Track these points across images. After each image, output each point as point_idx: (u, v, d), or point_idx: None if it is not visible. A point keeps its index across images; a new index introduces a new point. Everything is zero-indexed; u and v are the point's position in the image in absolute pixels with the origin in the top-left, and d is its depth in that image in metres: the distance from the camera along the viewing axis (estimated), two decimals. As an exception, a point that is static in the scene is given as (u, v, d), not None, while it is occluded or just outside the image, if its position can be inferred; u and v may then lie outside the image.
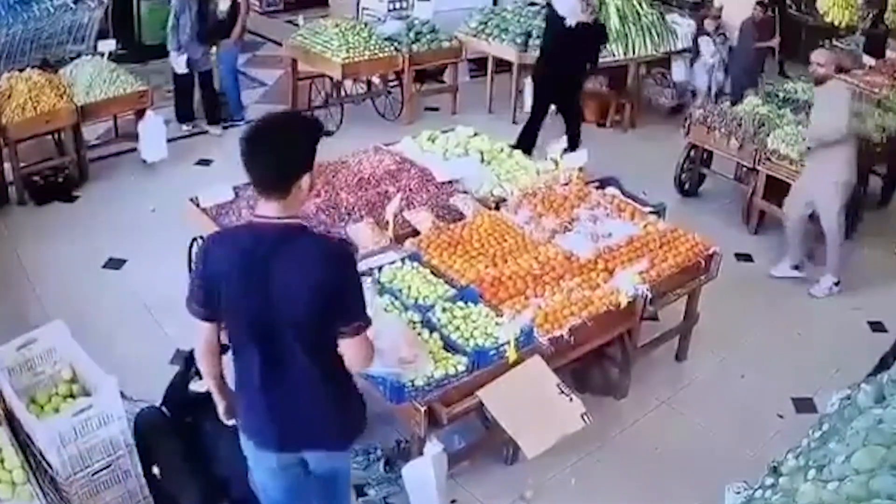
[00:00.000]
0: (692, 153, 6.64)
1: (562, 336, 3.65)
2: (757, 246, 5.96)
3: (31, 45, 7.36)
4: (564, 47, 6.53)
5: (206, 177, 6.37)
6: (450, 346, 3.39)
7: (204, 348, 2.55)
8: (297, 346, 2.37)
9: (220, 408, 2.71)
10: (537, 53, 7.10)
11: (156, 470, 3.22)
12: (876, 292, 5.46)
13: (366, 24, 8.02)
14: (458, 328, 3.48)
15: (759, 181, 6.03)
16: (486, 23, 8.22)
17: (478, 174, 5.06)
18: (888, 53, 8.15)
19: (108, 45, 6.91)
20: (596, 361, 4.32)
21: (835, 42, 9.58)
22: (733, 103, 6.83)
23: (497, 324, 3.53)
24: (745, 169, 6.33)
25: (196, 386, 3.27)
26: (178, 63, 7.02)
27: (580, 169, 5.11)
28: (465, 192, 4.82)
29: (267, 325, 2.35)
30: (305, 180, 2.31)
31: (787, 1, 9.04)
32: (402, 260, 3.93)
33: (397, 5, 8.67)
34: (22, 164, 6.07)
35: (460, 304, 3.62)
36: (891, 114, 6.41)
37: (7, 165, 5.98)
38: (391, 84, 8.20)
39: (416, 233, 4.36)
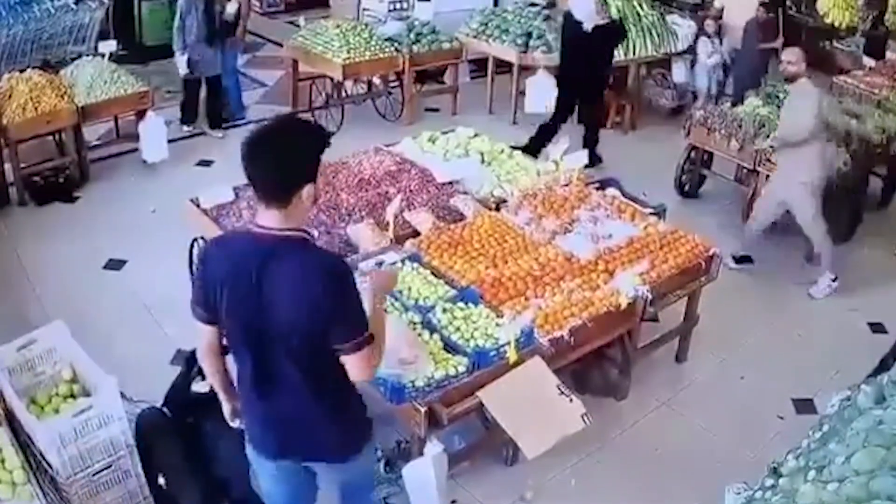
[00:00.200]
0: (692, 154, 6.64)
1: (562, 337, 3.66)
2: (757, 247, 5.95)
3: (32, 46, 7.37)
4: (584, 51, 6.65)
5: (207, 177, 6.37)
6: (450, 347, 3.39)
7: (206, 350, 2.55)
8: (288, 360, 2.33)
9: (226, 409, 2.69)
10: (556, 59, 7.28)
11: (161, 480, 3.20)
12: (876, 293, 5.46)
13: (366, 25, 8.03)
14: (458, 329, 3.48)
15: (759, 183, 6.02)
16: (486, 24, 8.22)
17: (478, 175, 5.06)
18: (888, 55, 8.16)
19: (109, 45, 6.91)
20: (596, 362, 4.32)
21: (835, 43, 9.62)
22: (734, 104, 6.83)
23: (497, 325, 3.53)
24: (745, 170, 6.33)
25: (198, 386, 3.27)
26: (181, 63, 6.98)
27: (586, 167, 5.16)
28: (466, 193, 4.82)
29: (259, 335, 2.32)
30: (308, 191, 2.25)
31: (787, 2, 9.03)
32: (403, 261, 3.93)
33: (398, 6, 8.67)
34: (22, 165, 6.08)
35: (461, 304, 3.62)
36: (891, 115, 6.41)
37: (8, 166, 5.98)
38: (392, 85, 8.20)
39: (416, 234, 4.36)
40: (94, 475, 3.01)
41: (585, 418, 3.36)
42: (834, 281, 5.45)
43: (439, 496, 3.29)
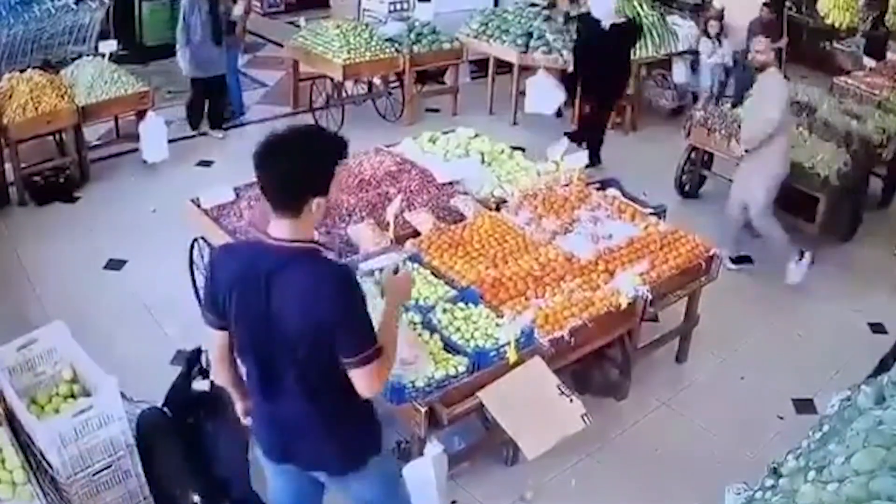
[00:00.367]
0: (693, 155, 6.64)
1: (562, 337, 3.66)
2: (757, 247, 5.95)
3: (33, 46, 7.38)
4: (602, 50, 6.72)
5: (207, 177, 6.38)
6: (450, 347, 3.39)
7: (217, 355, 2.54)
8: (293, 370, 2.32)
9: (238, 408, 2.68)
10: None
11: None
12: (876, 294, 5.47)
13: (367, 26, 8.03)
14: (458, 329, 3.48)
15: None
16: (486, 24, 8.22)
17: (478, 175, 5.06)
18: (888, 55, 8.16)
19: (110, 45, 6.90)
20: (596, 362, 4.32)
21: (835, 44, 9.61)
22: (734, 105, 6.83)
23: (497, 325, 3.53)
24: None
25: (199, 385, 3.27)
26: (183, 63, 6.92)
27: (587, 167, 5.18)
28: (466, 194, 4.82)
29: (265, 343, 2.31)
30: (319, 203, 2.23)
31: (787, 3, 9.02)
32: (403, 261, 3.92)
33: (398, 6, 8.68)
34: (23, 165, 6.08)
35: (461, 305, 3.62)
36: (891, 115, 6.42)
37: (8, 166, 5.98)
38: (392, 85, 8.20)
39: (416, 234, 4.36)
40: (94, 475, 3.01)
41: (585, 418, 3.36)
42: (801, 259, 5.43)
43: (439, 496, 3.29)
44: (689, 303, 4.57)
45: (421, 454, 3.28)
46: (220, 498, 3.29)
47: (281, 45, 8.60)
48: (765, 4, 7.93)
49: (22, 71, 6.37)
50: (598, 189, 4.90)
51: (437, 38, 7.98)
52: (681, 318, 4.65)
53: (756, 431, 4.17)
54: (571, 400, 3.39)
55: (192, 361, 3.34)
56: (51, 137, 6.44)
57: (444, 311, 3.54)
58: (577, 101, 7.74)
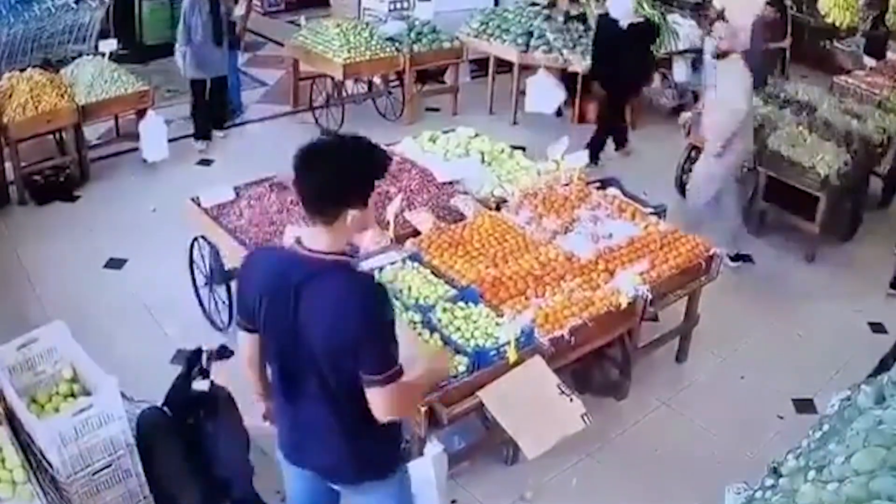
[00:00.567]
0: (693, 154, 6.61)
1: (562, 336, 3.66)
2: (758, 247, 5.96)
3: (33, 45, 7.37)
4: (619, 50, 6.78)
5: (207, 177, 6.39)
6: (451, 347, 3.39)
7: (246, 357, 2.54)
8: (315, 380, 2.30)
9: (261, 409, 2.68)
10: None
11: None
12: (876, 294, 5.46)
13: (367, 25, 8.02)
14: (458, 328, 3.48)
15: (760, 182, 6.02)
16: (487, 23, 8.21)
17: (478, 175, 5.06)
18: (889, 55, 8.15)
19: (110, 44, 6.90)
20: (596, 362, 4.32)
21: (836, 43, 9.60)
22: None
23: (497, 324, 3.53)
24: (745, 170, 6.33)
25: (199, 385, 3.27)
26: (182, 65, 6.86)
27: (587, 165, 5.23)
28: (466, 193, 4.82)
29: (290, 352, 2.31)
30: (355, 215, 2.19)
31: (786, 2, 9.01)
32: (403, 260, 3.93)
33: (398, 6, 8.67)
34: (23, 164, 6.08)
35: (461, 304, 3.62)
36: (891, 115, 6.41)
37: (8, 165, 5.98)
38: (392, 84, 8.20)
39: (416, 233, 4.36)
40: (94, 474, 3.01)
41: (585, 418, 3.36)
42: (733, 261, 5.47)
43: (439, 496, 3.28)
44: (689, 302, 4.56)
45: (421, 454, 3.28)
46: (221, 498, 3.30)
47: (281, 44, 8.60)
48: (769, 3, 7.91)
49: (22, 70, 6.37)
50: (598, 188, 4.90)
51: (438, 38, 7.98)
52: (681, 318, 4.65)
53: (756, 431, 4.17)
54: (571, 399, 3.39)
55: (193, 361, 3.34)
56: (51, 136, 6.44)
57: (444, 310, 3.54)
58: (576, 101, 7.75)
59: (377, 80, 8.13)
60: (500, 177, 5.06)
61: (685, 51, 8.39)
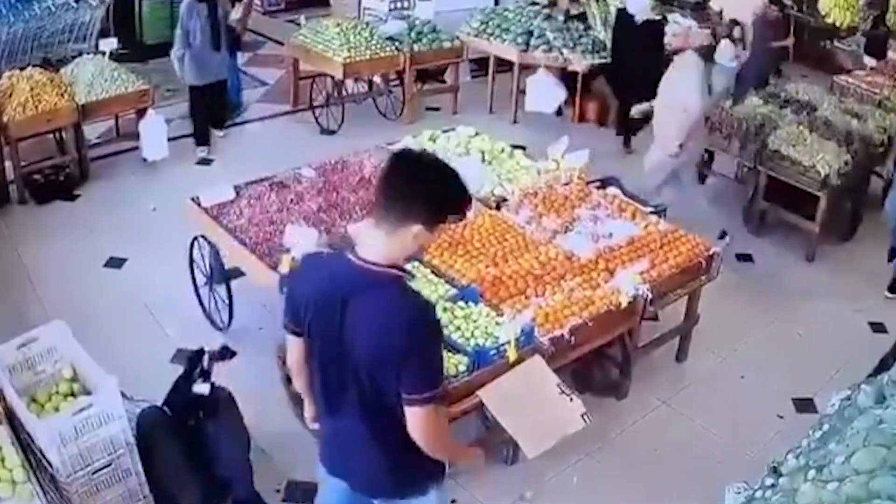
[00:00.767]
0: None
1: (562, 336, 3.66)
2: (758, 246, 5.96)
3: (33, 44, 7.37)
4: (632, 44, 7.01)
5: (207, 176, 6.38)
6: (450, 346, 3.39)
7: (294, 360, 2.51)
8: (355, 391, 2.29)
9: (308, 412, 2.65)
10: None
11: None
12: (876, 293, 5.46)
13: (367, 24, 8.03)
14: (458, 328, 3.48)
15: (760, 182, 6.03)
16: (487, 23, 8.21)
17: (479, 174, 5.05)
18: (889, 54, 8.15)
19: (110, 43, 6.89)
20: (596, 361, 4.32)
21: (836, 43, 9.60)
22: (735, 103, 6.82)
23: (497, 323, 3.53)
24: (746, 169, 6.33)
25: (199, 387, 3.27)
26: (178, 70, 6.80)
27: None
28: (466, 192, 4.81)
29: (334, 361, 2.29)
30: (418, 234, 2.17)
31: (786, 2, 9.01)
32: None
33: (399, 5, 8.67)
34: (23, 163, 6.08)
35: (461, 303, 3.62)
36: (892, 115, 6.41)
37: (8, 164, 5.98)
38: (392, 84, 8.20)
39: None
40: (93, 473, 3.01)
41: (586, 417, 3.36)
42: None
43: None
44: (690, 302, 4.56)
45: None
46: (221, 497, 3.30)
47: (281, 44, 8.60)
48: (771, 2, 7.90)
49: (22, 69, 6.36)
50: (598, 188, 4.90)
51: (438, 37, 7.97)
52: (681, 318, 4.65)
53: (756, 431, 4.17)
54: (571, 399, 3.39)
55: (194, 363, 3.33)
56: (51, 136, 6.44)
57: (445, 309, 3.54)
58: (577, 100, 7.74)
59: (377, 79, 8.12)
60: (500, 176, 5.06)
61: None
